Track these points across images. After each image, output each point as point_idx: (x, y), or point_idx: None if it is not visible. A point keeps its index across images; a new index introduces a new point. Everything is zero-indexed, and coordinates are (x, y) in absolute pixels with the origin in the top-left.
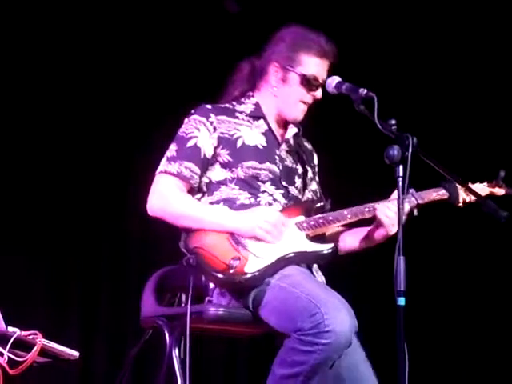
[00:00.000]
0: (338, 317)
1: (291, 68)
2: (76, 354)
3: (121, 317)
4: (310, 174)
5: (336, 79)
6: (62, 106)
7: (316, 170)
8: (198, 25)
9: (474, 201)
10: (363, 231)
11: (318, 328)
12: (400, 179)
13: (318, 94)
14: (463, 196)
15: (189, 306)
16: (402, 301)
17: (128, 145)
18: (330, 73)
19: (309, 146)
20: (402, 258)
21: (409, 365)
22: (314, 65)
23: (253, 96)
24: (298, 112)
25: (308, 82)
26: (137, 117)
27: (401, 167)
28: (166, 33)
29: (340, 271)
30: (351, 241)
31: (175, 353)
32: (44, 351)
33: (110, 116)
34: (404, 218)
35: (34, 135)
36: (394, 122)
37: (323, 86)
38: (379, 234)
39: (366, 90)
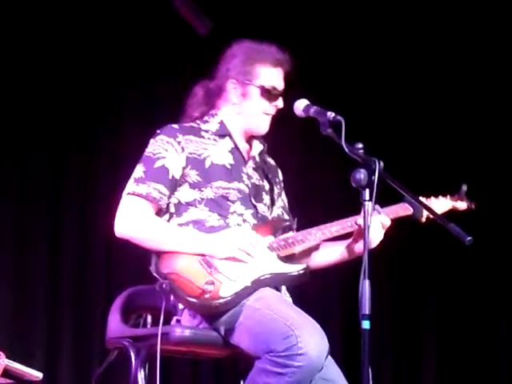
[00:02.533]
0: (312, 340)
1: (249, 82)
2: (40, 375)
3: (86, 337)
4: (276, 190)
5: (304, 102)
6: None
7: (282, 185)
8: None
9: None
10: (341, 243)
11: (292, 350)
12: (366, 203)
13: (280, 103)
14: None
15: (160, 328)
16: (366, 324)
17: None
18: (287, 82)
19: (272, 162)
20: (367, 281)
21: None
22: (271, 75)
23: (216, 114)
24: (264, 124)
25: (268, 93)
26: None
27: (367, 191)
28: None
29: (307, 293)
30: (328, 254)
31: (140, 375)
32: (7, 372)
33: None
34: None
35: None
36: (360, 145)
37: (283, 94)
38: (359, 247)
39: (333, 114)
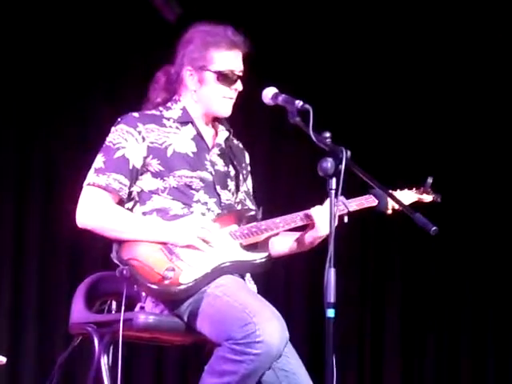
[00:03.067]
0: (270, 328)
1: (205, 67)
2: (3, 359)
3: (50, 322)
4: (242, 176)
5: (272, 90)
6: None
7: (248, 169)
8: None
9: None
10: (292, 235)
11: (250, 338)
12: (332, 192)
13: (239, 86)
14: (392, 203)
15: (122, 315)
16: (331, 312)
17: None
18: (246, 64)
19: (240, 145)
20: (332, 269)
21: (337, 378)
22: (226, 59)
23: (179, 100)
24: (226, 107)
25: (225, 78)
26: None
27: (334, 180)
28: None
29: (272, 281)
30: (279, 245)
31: (104, 360)
32: None
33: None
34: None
35: None
36: (328, 134)
37: (242, 77)
38: (310, 236)
39: (301, 102)
